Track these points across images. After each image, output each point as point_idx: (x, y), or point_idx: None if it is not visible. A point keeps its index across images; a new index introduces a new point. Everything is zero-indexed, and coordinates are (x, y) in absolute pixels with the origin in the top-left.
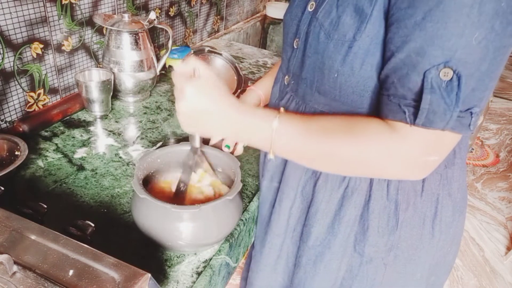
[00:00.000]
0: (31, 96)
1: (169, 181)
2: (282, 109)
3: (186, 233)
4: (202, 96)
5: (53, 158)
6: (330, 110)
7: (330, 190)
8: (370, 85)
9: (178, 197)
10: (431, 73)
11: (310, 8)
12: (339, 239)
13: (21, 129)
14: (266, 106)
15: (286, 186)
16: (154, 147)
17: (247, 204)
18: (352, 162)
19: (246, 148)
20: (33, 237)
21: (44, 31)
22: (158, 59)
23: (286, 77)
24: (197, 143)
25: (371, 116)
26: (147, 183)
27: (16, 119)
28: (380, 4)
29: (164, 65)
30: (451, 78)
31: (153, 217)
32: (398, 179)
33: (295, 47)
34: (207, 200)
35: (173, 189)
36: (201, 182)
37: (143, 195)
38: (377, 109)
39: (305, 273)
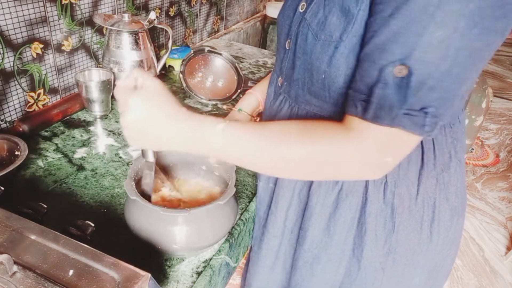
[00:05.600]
0: (31, 96)
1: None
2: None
3: (179, 236)
4: (146, 103)
5: (53, 158)
6: (321, 112)
7: (324, 193)
8: None
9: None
10: (387, 68)
11: (301, 9)
12: (335, 241)
13: (21, 129)
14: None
15: (282, 188)
16: None
17: (247, 204)
18: (300, 163)
19: None
20: (33, 237)
21: (44, 31)
22: (158, 59)
23: (280, 78)
24: (150, 157)
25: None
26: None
27: (16, 119)
28: (366, 3)
29: (164, 65)
30: (405, 76)
31: (143, 219)
32: (355, 179)
33: (287, 48)
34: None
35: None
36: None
37: (133, 196)
38: None
39: (301, 275)
